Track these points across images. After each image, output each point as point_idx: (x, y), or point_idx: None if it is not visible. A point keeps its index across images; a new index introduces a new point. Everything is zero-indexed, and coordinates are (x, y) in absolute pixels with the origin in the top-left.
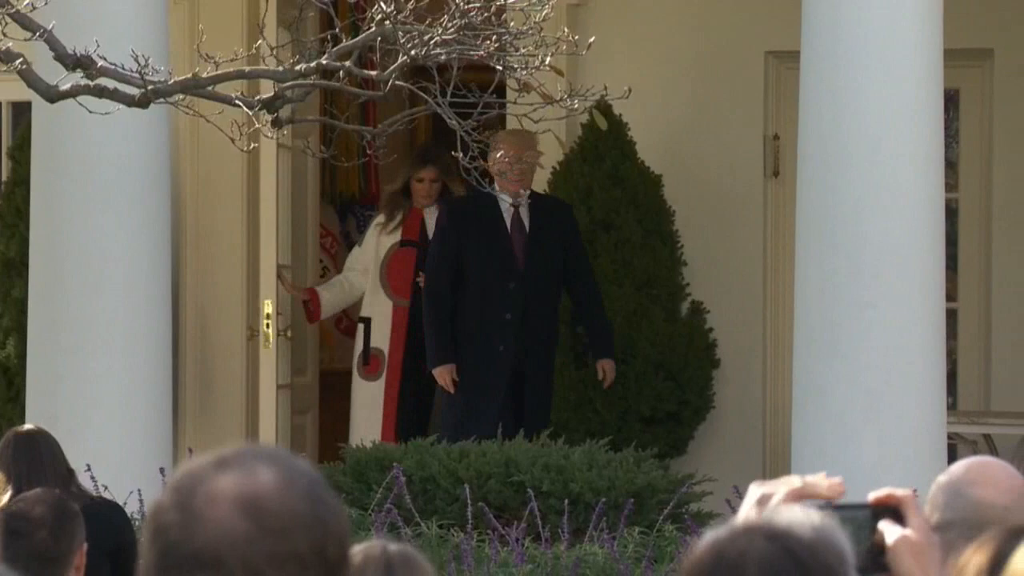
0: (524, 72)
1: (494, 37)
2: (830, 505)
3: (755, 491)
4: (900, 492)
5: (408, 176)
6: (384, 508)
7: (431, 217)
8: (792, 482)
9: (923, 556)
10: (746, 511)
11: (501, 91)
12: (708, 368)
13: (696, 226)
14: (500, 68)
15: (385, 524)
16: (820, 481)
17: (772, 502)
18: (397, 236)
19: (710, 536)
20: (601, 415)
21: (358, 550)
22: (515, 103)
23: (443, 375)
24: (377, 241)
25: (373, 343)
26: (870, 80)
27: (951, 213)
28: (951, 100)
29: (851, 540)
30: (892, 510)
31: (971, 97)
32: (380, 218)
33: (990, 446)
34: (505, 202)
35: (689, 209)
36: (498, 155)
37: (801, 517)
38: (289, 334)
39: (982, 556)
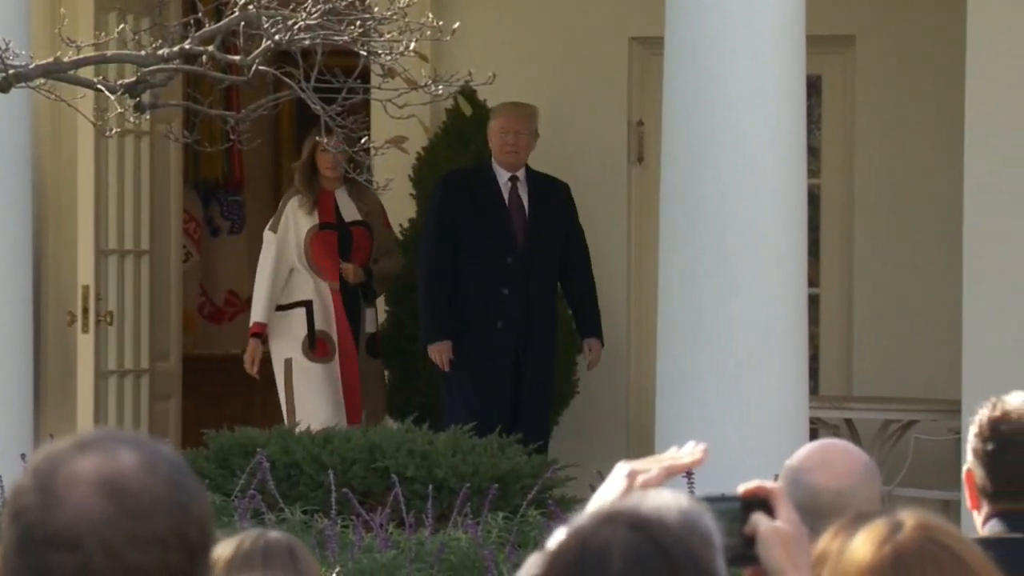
0: (388, 57)
1: (358, 22)
2: (701, 498)
3: (622, 468)
4: (770, 484)
5: (311, 147)
6: (248, 494)
7: (343, 200)
8: (661, 460)
9: (793, 547)
10: (610, 489)
11: (365, 76)
12: (572, 354)
13: None
14: (364, 53)
15: (248, 510)
16: (683, 455)
17: (640, 479)
18: (314, 218)
19: (573, 525)
20: None
21: (239, 539)
22: (379, 88)
23: (439, 352)
24: (296, 223)
25: (317, 326)
26: (733, 66)
27: (813, 199)
28: (813, 86)
29: (722, 532)
30: (762, 502)
31: (833, 83)
32: (296, 200)
33: (851, 431)
34: (503, 176)
35: None
36: (494, 125)
37: (669, 502)
38: (110, 320)
39: (843, 541)
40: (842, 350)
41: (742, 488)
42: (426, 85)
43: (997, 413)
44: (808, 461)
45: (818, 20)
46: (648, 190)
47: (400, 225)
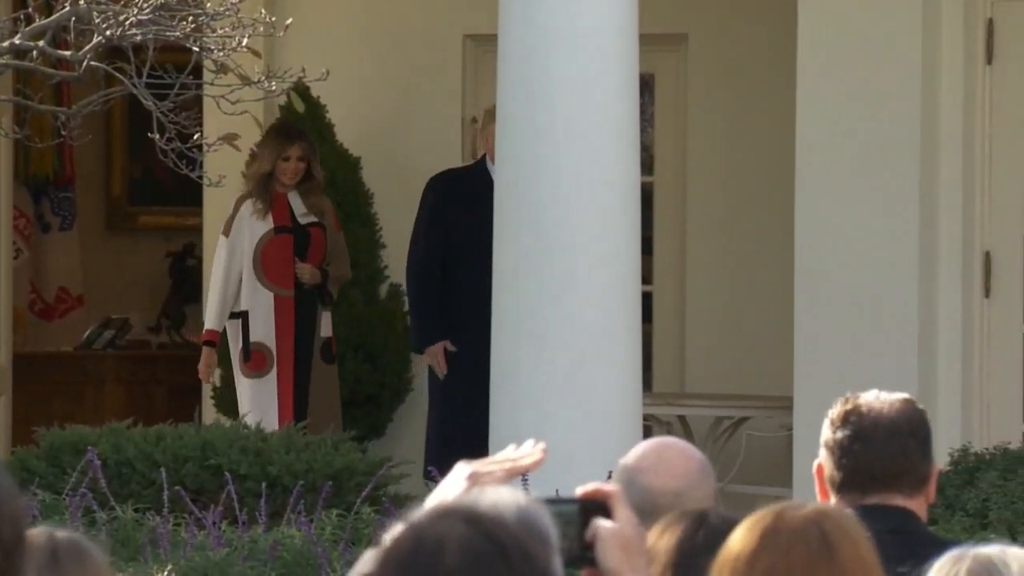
0: (221, 54)
1: (190, 18)
2: (549, 501)
3: (462, 470)
4: (608, 487)
5: (274, 157)
6: (79, 492)
7: (295, 201)
8: (501, 461)
9: (630, 549)
10: (449, 490)
11: (198, 72)
12: (406, 351)
13: (395, 209)
14: (197, 49)
15: (80, 508)
16: (523, 455)
17: (483, 481)
18: (268, 223)
19: (409, 520)
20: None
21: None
22: (212, 84)
23: (435, 355)
24: (250, 228)
25: (253, 337)
26: (566, 64)
27: (646, 197)
28: (646, 85)
29: (560, 535)
30: (600, 504)
31: (666, 81)
32: (249, 204)
33: (684, 428)
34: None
35: (388, 192)
36: (481, 128)
37: (506, 499)
38: None
39: (669, 538)
40: (675, 347)
41: (580, 490)
42: (259, 81)
43: (849, 406)
44: (644, 461)
45: (651, 19)
46: None
47: None
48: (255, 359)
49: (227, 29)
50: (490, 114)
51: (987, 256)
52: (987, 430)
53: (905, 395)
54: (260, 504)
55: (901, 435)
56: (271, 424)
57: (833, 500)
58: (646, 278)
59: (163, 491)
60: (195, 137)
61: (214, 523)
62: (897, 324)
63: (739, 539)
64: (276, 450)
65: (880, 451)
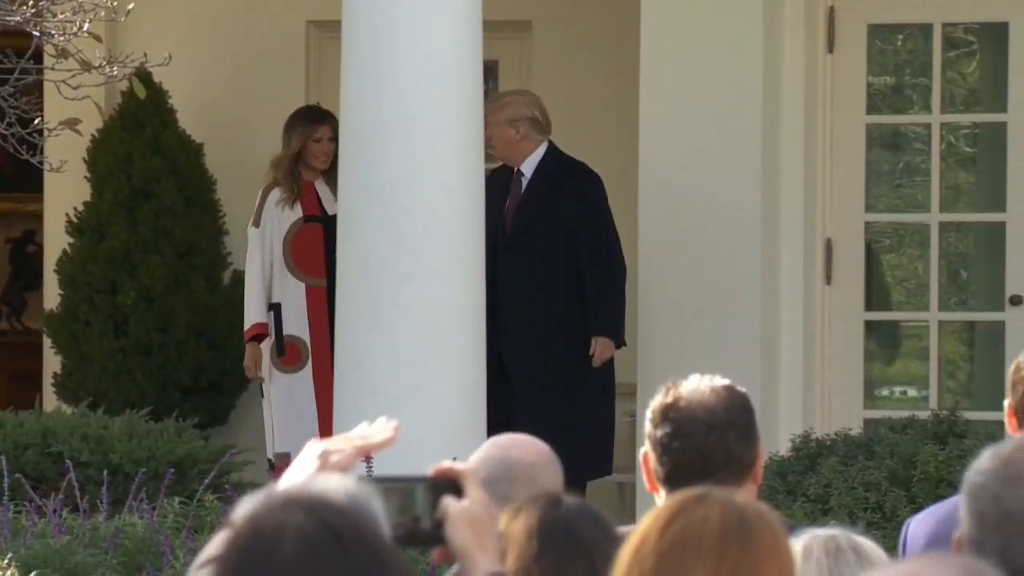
0: (62, 38)
1: (31, 2)
2: (390, 478)
3: (314, 448)
4: (460, 465)
5: (304, 138)
6: None
7: (323, 190)
8: (352, 439)
9: (480, 526)
10: (301, 469)
11: (39, 57)
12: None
13: (238, 195)
14: (37, 34)
15: None
16: (375, 433)
17: (333, 459)
18: (297, 212)
19: (248, 508)
20: (141, 385)
21: None
22: (53, 69)
23: None
24: (278, 218)
25: (287, 330)
26: (409, 51)
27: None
28: (490, 71)
29: (412, 511)
30: (451, 483)
31: (510, 68)
32: (276, 193)
33: None
34: (515, 170)
35: (231, 178)
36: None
37: (338, 486)
38: None
39: (524, 520)
40: None
41: (432, 469)
42: (100, 67)
43: (669, 399)
44: (501, 440)
45: (495, 5)
46: None
47: (75, 209)
48: (289, 352)
49: (68, 14)
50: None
51: (828, 243)
52: (828, 416)
53: (725, 381)
54: (102, 492)
55: (719, 427)
56: (308, 420)
57: (660, 492)
58: None
59: (3, 479)
60: (36, 122)
61: (55, 511)
62: (739, 311)
63: (656, 510)
64: (118, 437)
65: (699, 446)
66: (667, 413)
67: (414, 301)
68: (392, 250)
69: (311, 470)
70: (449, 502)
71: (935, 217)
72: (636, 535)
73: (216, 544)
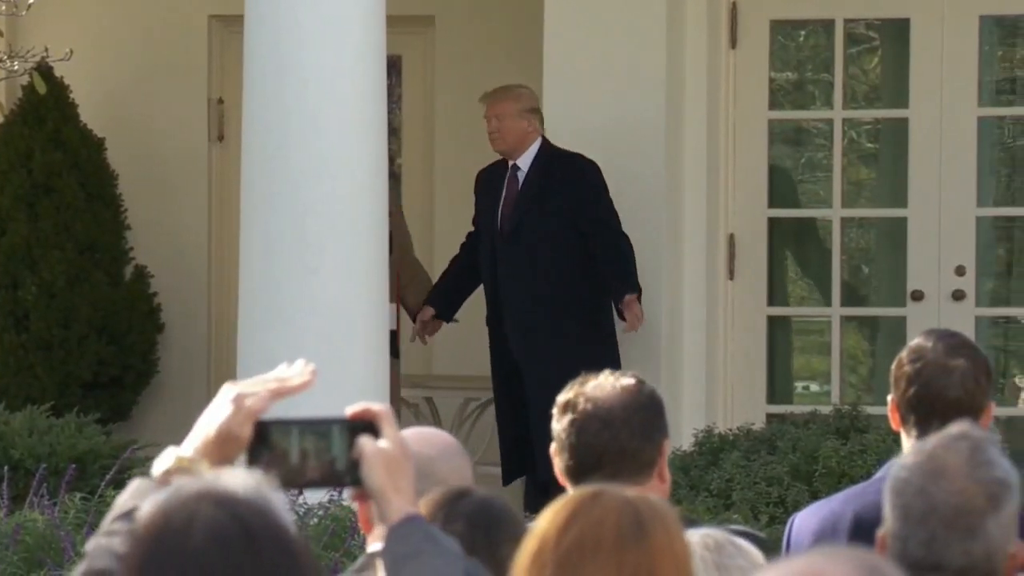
0: None
1: None
2: (307, 419)
3: (228, 391)
4: (376, 406)
5: None
6: None
7: None
8: (267, 381)
9: (396, 468)
10: (216, 413)
11: None
12: (152, 333)
13: (140, 190)
14: None
15: None
16: (292, 376)
17: (248, 402)
18: None
19: (159, 499)
20: (42, 380)
21: None
22: None
23: (421, 316)
24: None
25: None
26: (313, 46)
27: (394, 178)
28: (394, 66)
29: (328, 452)
30: (368, 424)
31: (414, 63)
32: None
33: (432, 410)
34: (511, 164)
35: (133, 173)
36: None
37: (248, 480)
38: None
39: (426, 511)
40: None
41: (349, 410)
42: (1, 61)
43: (571, 395)
44: (406, 433)
45: (398, 1)
46: (228, 168)
47: None
48: None
49: None
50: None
51: (731, 239)
52: (731, 411)
53: (632, 378)
54: (2, 488)
55: (614, 424)
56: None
57: (569, 487)
58: None
59: None
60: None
61: None
62: (643, 306)
63: (553, 511)
64: (18, 433)
65: (593, 442)
66: (567, 409)
67: (317, 295)
68: (295, 245)
69: (225, 413)
70: (365, 443)
71: (837, 213)
72: (533, 538)
73: (137, 488)
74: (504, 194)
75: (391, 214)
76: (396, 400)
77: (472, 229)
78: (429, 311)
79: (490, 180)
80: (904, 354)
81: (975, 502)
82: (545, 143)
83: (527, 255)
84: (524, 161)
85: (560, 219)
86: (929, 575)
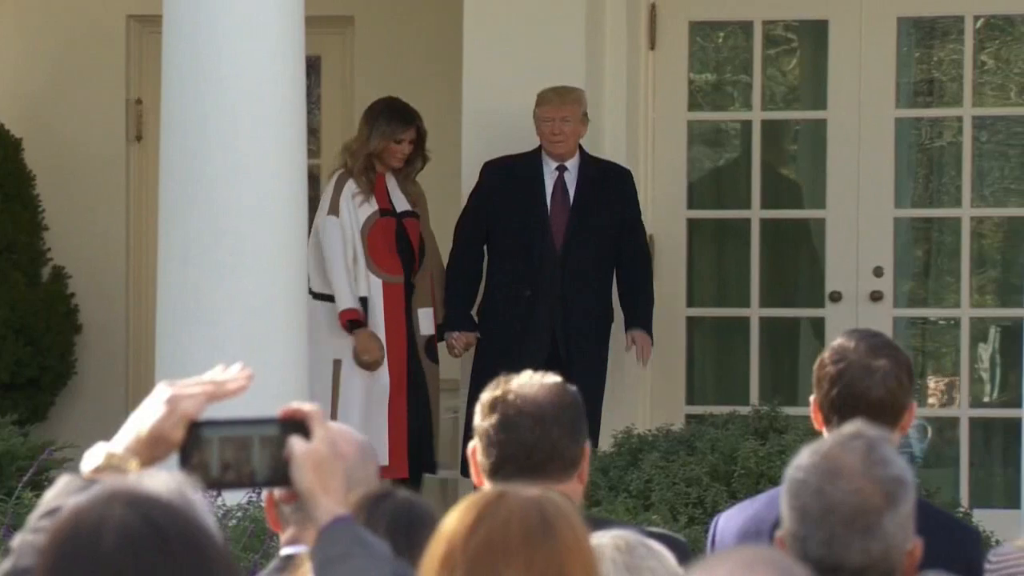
0: None
1: None
2: (237, 420)
3: (163, 392)
4: (307, 407)
5: (388, 139)
6: None
7: (391, 184)
8: (203, 384)
9: (324, 468)
10: (148, 413)
11: None
12: (70, 333)
13: (58, 190)
14: None
15: None
16: (228, 380)
17: (182, 405)
18: (372, 205)
19: (71, 502)
20: None
21: None
22: None
23: (461, 339)
24: (354, 210)
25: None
26: (231, 46)
27: (313, 179)
28: (313, 67)
29: (259, 453)
30: (299, 424)
31: (333, 64)
32: (353, 183)
33: None
34: (551, 166)
35: (51, 174)
36: (538, 113)
37: (167, 482)
38: None
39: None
40: None
41: (281, 410)
42: None
43: (499, 392)
44: None
45: (317, 1)
46: (147, 169)
47: None
48: None
49: None
50: (537, 97)
51: (651, 239)
52: (650, 412)
53: (557, 378)
54: None
55: (546, 421)
56: (379, 420)
57: (486, 485)
58: None
59: None
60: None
61: None
62: None
63: (458, 513)
64: None
65: (524, 439)
66: (496, 406)
67: (237, 296)
68: (215, 243)
69: (159, 414)
70: (295, 443)
71: (756, 214)
72: (440, 540)
73: (56, 493)
74: (551, 199)
75: (419, 218)
76: (436, 404)
77: (465, 227)
78: (472, 337)
79: (516, 178)
80: (826, 355)
81: (872, 501)
82: (582, 148)
83: (578, 265)
84: (572, 164)
85: (610, 233)
86: (829, 575)
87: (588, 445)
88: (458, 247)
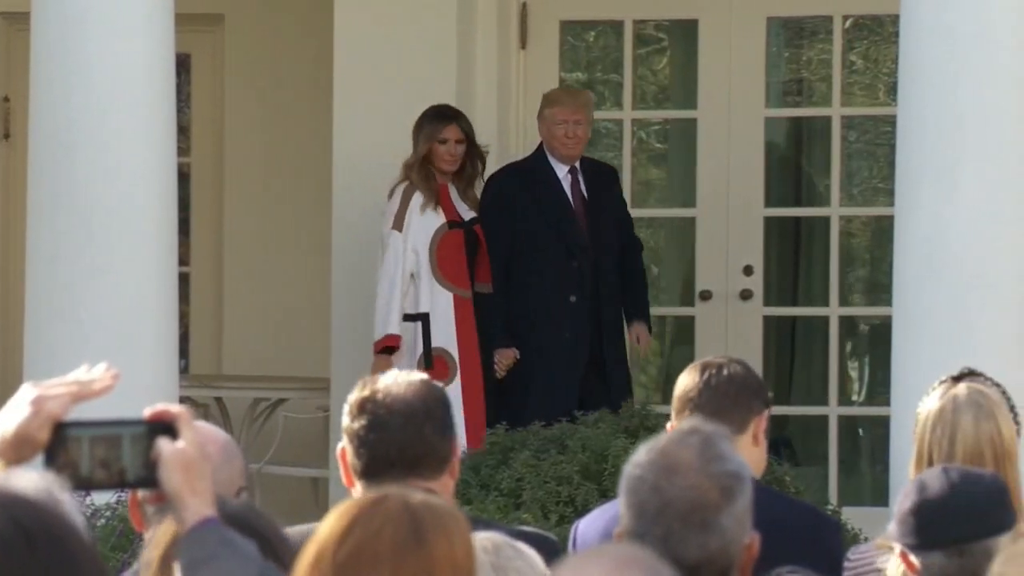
0: None
1: None
2: (105, 421)
3: (28, 392)
4: (175, 408)
5: (430, 140)
6: None
7: (454, 194)
8: (68, 384)
9: (193, 470)
10: (12, 414)
11: None
12: None
13: None
14: None
15: None
16: (93, 380)
17: (48, 405)
18: (440, 217)
19: None
20: None
21: None
22: None
23: (508, 356)
24: (421, 222)
25: (434, 342)
26: (100, 44)
27: (183, 178)
28: (183, 64)
29: (126, 454)
30: (167, 426)
31: (203, 62)
32: (418, 196)
33: (222, 410)
34: (562, 170)
35: None
36: (549, 115)
37: (37, 482)
38: None
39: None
40: (213, 328)
41: (148, 411)
42: None
43: (366, 392)
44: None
45: None
46: (16, 167)
47: None
48: (438, 366)
49: None
50: (546, 99)
51: None
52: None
53: (423, 376)
54: None
55: (417, 419)
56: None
57: (357, 486)
58: (183, 259)
59: None
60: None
61: None
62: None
63: (333, 518)
64: None
65: (396, 437)
66: (364, 405)
67: (106, 293)
68: (83, 244)
69: (24, 415)
70: (163, 445)
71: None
72: (312, 545)
73: None
74: (573, 198)
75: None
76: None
77: (492, 240)
78: (513, 355)
79: (536, 184)
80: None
81: (708, 496)
82: None
83: (604, 265)
84: (578, 166)
85: (615, 230)
86: None
87: (457, 440)
88: (498, 263)
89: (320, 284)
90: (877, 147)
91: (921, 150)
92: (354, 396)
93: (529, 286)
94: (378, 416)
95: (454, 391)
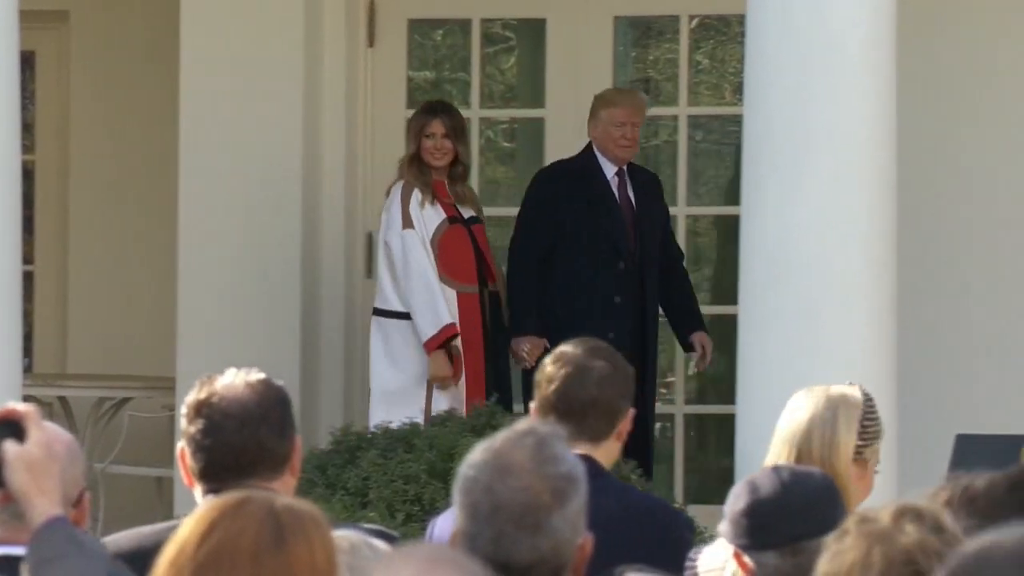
0: None
1: None
2: None
3: None
4: (22, 407)
5: (417, 134)
6: None
7: (451, 189)
8: None
9: (39, 470)
10: None
11: None
12: None
13: None
14: None
15: None
16: None
17: None
18: (439, 213)
19: None
20: None
21: None
22: None
23: (529, 343)
24: (423, 219)
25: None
26: None
27: (27, 175)
28: (27, 61)
29: None
30: (14, 426)
31: (48, 59)
32: (418, 195)
33: (66, 409)
34: (610, 171)
35: None
36: (606, 116)
37: None
38: None
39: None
40: (57, 327)
41: None
42: None
43: (203, 395)
44: None
45: None
46: None
47: None
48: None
49: None
50: (602, 100)
51: (369, 237)
52: (368, 409)
53: (262, 375)
54: None
55: (252, 422)
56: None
57: (196, 487)
58: (27, 258)
59: None
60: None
61: None
62: (280, 305)
63: (196, 518)
64: None
65: (232, 441)
66: (200, 410)
67: None
68: None
69: None
70: (8, 446)
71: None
72: (173, 544)
73: None
74: (623, 203)
75: (479, 221)
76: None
77: (531, 232)
78: (532, 340)
79: (584, 183)
80: (548, 358)
81: (541, 498)
82: None
83: (649, 268)
84: (623, 168)
85: (659, 236)
86: (499, 573)
87: (299, 438)
88: (518, 253)
89: (166, 283)
90: (723, 147)
91: (766, 151)
92: (191, 398)
93: (574, 284)
94: (213, 421)
95: (460, 392)
